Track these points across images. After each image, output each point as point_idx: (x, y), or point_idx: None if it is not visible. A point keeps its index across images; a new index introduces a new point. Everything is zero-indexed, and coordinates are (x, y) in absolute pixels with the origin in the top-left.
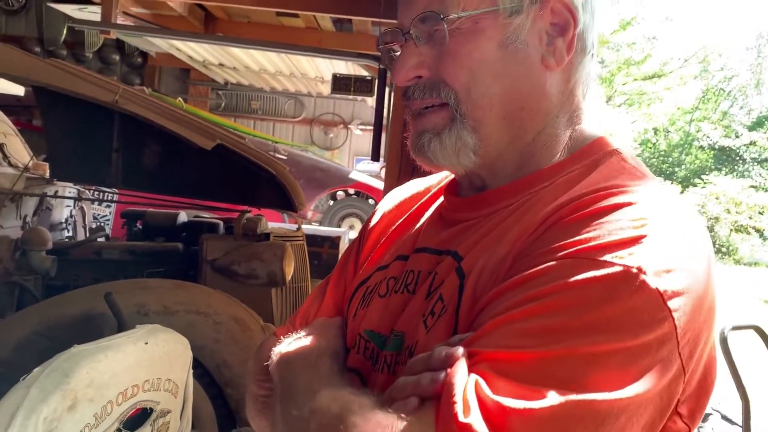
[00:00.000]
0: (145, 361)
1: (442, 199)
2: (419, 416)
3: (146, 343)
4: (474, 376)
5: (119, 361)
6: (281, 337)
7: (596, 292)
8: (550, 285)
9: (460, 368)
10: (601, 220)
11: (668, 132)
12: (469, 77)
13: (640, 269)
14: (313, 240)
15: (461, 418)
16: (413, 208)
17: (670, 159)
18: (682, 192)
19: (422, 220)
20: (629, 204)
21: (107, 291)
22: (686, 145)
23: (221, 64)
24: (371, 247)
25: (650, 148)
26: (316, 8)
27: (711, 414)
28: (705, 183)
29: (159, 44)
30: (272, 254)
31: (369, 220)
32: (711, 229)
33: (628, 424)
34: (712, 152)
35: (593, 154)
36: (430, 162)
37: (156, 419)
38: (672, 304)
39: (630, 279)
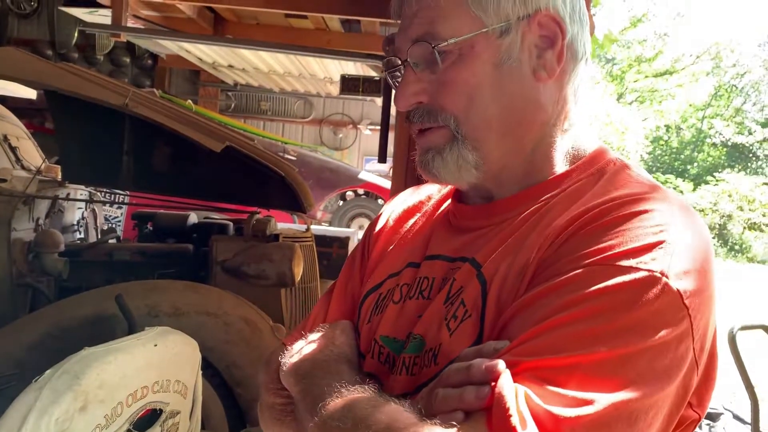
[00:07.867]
0: (155, 362)
1: (447, 205)
2: (471, 426)
3: (155, 345)
4: (522, 388)
5: (129, 363)
6: (289, 345)
7: (625, 297)
8: (580, 292)
9: (507, 380)
10: (622, 228)
11: (680, 129)
12: (467, 102)
13: (663, 273)
14: (322, 240)
15: (520, 430)
16: (419, 215)
17: (682, 156)
18: (694, 190)
19: (429, 226)
20: (646, 212)
21: (118, 293)
22: (698, 143)
23: (231, 66)
24: (379, 253)
25: (662, 145)
26: (325, 9)
27: (722, 413)
28: (717, 180)
29: (169, 46)
30: (281, 255)
31: (373, 225)
32: (723, 227)
33: (655, 418)
34: (725, 149)
35: (596, 163)
36: (435, 178)
37: (165, 420)
38: (689, 303)
39: (655, 282)
